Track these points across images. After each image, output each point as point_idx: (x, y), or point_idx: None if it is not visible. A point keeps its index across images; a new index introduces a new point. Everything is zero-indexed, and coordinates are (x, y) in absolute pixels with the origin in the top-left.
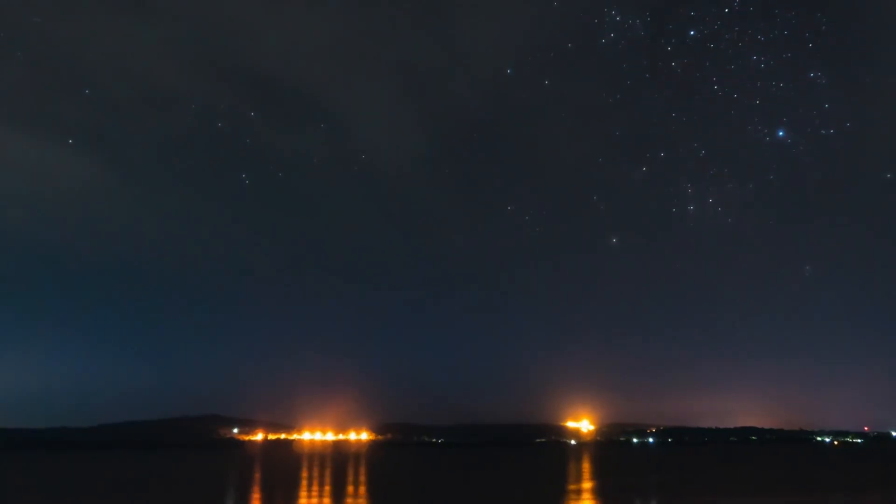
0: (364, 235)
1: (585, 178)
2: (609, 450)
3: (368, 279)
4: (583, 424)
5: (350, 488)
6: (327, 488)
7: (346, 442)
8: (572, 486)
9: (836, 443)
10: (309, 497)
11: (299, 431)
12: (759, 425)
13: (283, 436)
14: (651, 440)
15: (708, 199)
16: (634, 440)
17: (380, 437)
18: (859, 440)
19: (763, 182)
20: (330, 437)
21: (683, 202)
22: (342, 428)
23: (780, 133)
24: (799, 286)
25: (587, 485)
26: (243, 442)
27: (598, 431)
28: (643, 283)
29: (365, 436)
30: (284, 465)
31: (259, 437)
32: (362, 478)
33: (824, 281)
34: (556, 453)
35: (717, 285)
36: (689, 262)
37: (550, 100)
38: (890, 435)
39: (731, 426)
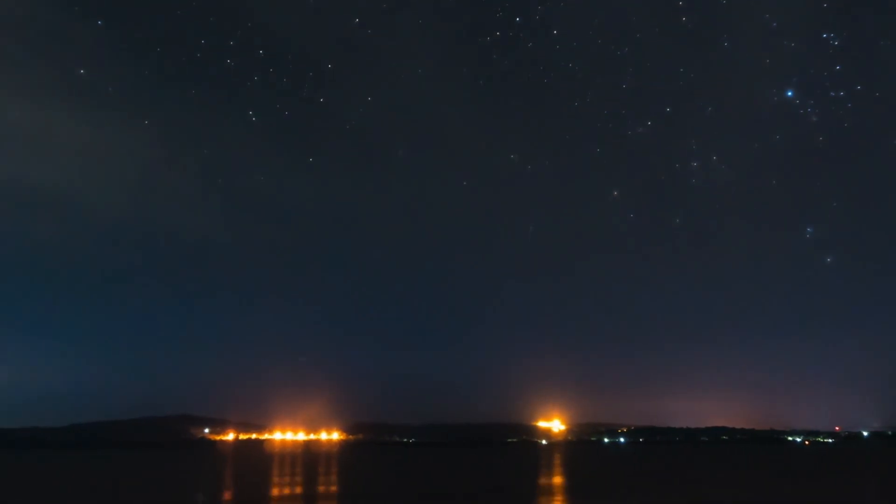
0: (333, 234)
1: (589, 129)
2: (578, 450)
3: (339, 279)
4: (554, 424)
5: (321, 486)
6: (298, 487)
7: (317, 442)
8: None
9: (806, 442)
10: (280, 495)
11: (270, 431)
12: (730, 425)
13: (254, 436)
14: (622, 440)
15: (712, 156)
16: (605, 440)
17: (351, 437)
18: (830, 440)
19: (769, 142)
20: (301, 437)
21: (687, 158)
22: (313, 428)
23: (789, 93)
24: (770, 283)
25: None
26: (215, 442)
27: (570, 431)
28: (618, 279)
29: (336, 436)
30: (256, 464)
31: (230, 436)
32: (333, 476)
33: (796, 279)
34: (525, 453)
35: (690, 284)
36: (689, 218)
37: (558, 50)
38: (861, 435)
39: (703, 426)
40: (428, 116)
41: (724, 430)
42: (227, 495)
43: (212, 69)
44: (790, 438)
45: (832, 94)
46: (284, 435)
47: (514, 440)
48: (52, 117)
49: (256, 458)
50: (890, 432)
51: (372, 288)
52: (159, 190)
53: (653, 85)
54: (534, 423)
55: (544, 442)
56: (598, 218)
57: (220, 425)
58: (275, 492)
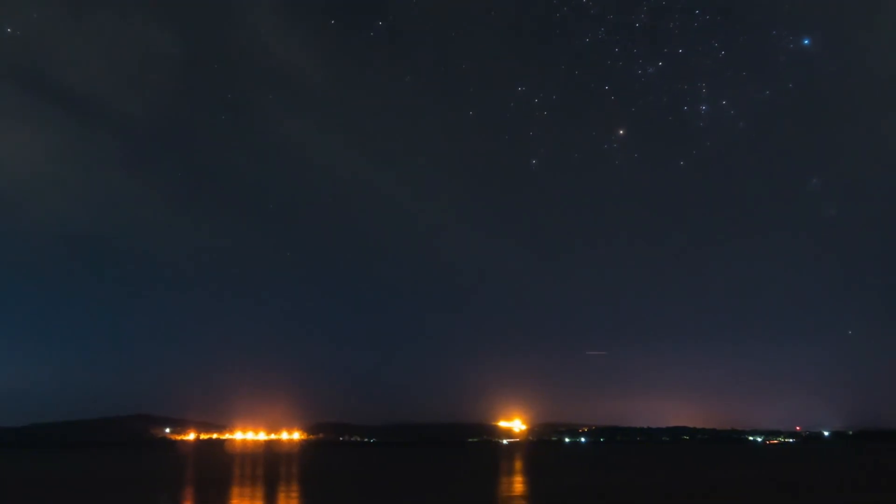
0: (296, 232)
1: (599, 66)
2: (538, 450)
3: (300, 277)
4: (515, 424)
5: (282, 487)
6: (259, 487)
7: (278, 442)
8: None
9: (767, 442)
10: (241, 496)
11: (231, 431)
12: (691, 425)
13: (214, 436)
14: (583, 440)
15: (721, 101)
16: (566, 440)
17: (312, 437)
18: (791, 440)
19: (781, 90)
20: (262, 436)
21: (696, 101)
22: (274, 428)
23: (806, 41)
24: (734, 282)
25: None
26: (175, 442)
27: (531, 431)
28: (582, 278)
29: (297, 435)
30: (217, 464)
31: (191, 436)
32: (294, 476)
33: (760, 279)
34: (485, 454)
35: (654, 283)
36: (693, 162)
37: None
38: (822, 434)
39: (664, 426)
40: (435, 44)
41: (685, 429)
42: (187, 495)
43: None
44: (751, 438)
45: (850, 43)
46: (245, 435)
47: (476, 440)
48: None
49: (217, 457)
50: (850, 432)
51: (333, 286)
52: (113, 191)
53: (666, 25)
54: (495, 423)
55: (505, 442)
56: (603, 157)
57: (180, 425)
58: (235, 491)
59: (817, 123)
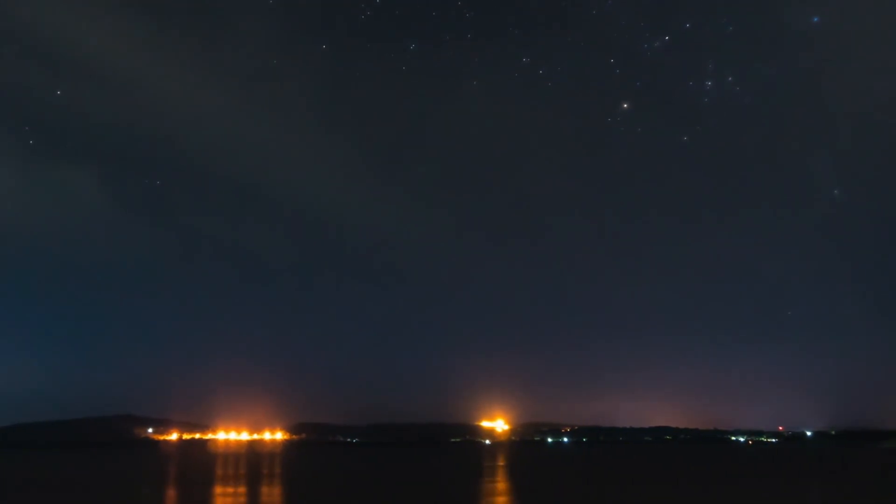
0: (275, 230)
1: (605, 39)
2: (520, 450)
3: (282, 277)
4: (497, 424)
5: (265, 487)
6: (242, 487)
7: (260, 442)
8: None
9: (749, 442)
10: (224, 496)
11: (214, 431)
12: (673, 425)
13: (197, 435)
14: (566, 440)
15: (728, 77)
16: (549, 440)
17: (294, 437)
18: (774, 440)
19: (787, 67)
20: (245, 436)
21: (702, 76)
22: (257, 428)
23: (815, 19)
24: (718, 281)
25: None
26: (158, 442)
27: (513, 431)
28: (565, 277)
29: (280, 435)
30: (200, 463)
31: (174, 436)
32: (277, 476)
33: (745, 278)
34: (467, 454)
35: (634, 282)
36: (696, 137)
37: None
38: (804, 434)
39: (647, 426)
40: (442, 14)
41: (667, 430)
42: (170, 493)
43: None
44: (734, 438)
45: (860, 24)
46: (228, 435)
47: (458, 440)
48: None
49: (200, 457)
50: (833, 432)
51: (316, 286)
52: (97, 188)
53: None
54: (477, 423)
55: (488, 442)
56: (606, 130)
57: (163, 425)
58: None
59: (823, 103)
